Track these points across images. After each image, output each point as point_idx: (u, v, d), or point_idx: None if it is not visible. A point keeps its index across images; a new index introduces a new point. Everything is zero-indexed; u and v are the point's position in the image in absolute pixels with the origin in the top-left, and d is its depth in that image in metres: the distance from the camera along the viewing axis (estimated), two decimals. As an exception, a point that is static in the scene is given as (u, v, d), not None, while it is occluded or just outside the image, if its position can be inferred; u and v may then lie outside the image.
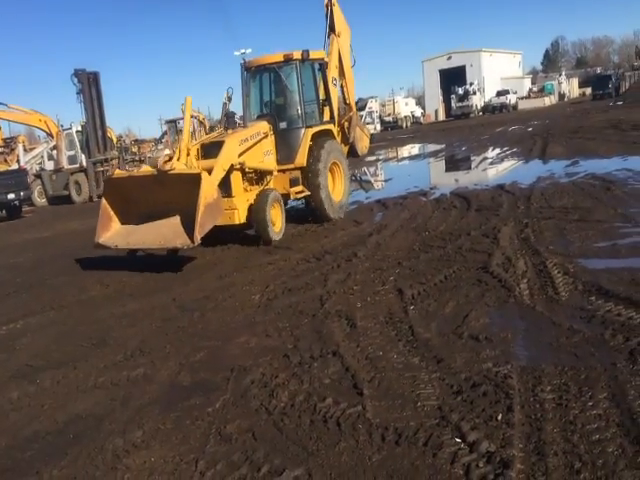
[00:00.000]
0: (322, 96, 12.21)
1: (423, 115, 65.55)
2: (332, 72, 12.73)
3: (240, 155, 10.11)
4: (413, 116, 60.17)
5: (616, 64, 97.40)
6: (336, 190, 11.92)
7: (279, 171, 11.12)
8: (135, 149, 43.63)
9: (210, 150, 9.97)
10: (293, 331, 5.63)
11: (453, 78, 64.93)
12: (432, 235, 8.80)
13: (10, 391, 5.08)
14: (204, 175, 8.67)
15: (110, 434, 4.08)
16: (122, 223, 9.53)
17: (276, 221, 10.22)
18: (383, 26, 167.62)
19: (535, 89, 68.98)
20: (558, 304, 5.30)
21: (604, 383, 3.80)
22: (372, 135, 14.42)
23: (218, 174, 9.43)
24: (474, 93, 61.08)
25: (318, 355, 4.94)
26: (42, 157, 28.05)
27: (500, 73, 68.83)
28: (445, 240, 8.30)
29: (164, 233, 8.83)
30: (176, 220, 8.87)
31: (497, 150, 21.61)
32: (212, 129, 41.20)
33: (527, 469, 3.06)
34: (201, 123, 38.21)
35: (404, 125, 56.88)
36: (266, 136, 10.97)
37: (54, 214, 21.78)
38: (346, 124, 13.03)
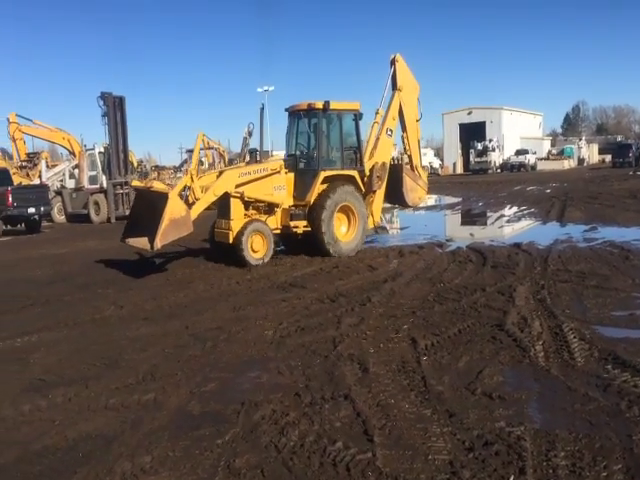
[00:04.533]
0: (354, 144, 13.00)
1: (441, 167, 66.16)
2: (388, 123, 13.67)
3: (239, 186, 11.61)
4: (431, 167, 60.58)
5: (637, 134, 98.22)
6: (349, 231, 12.60)
7: (293, 206, 12.29)
8: (155, 175, 44.20)
9: (219, 177, 11.77)
10: (305, 370, 5.64)
11: (473, 133, 65.57)
12: (447, 287, 8.82)
13: (22, 404, 5.10)
14: (171, 195, 10.48)
15: (119, 456, 4.08)
16: (132, 226, 11.65)
17: (258, 248, 11.40)
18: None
19: (554, 151, 69.49)
20: (574, 369, 5.28)
21: (619, 454, 3.77)
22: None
23: (208, 197, 11.24)
24: (493, 150, 61.58)
25: (329, 397, 4.94)
26: (64, 175, 28.47)
27: (520, 132, 69.48)
28: (460, 294, 8.32)
29: (144, 237, 10.78)
30: (153, 227, 10.45)
31: (514, 208, 21.69)
32: (231, 161, 41.85)
33: (539, 534, 3.03)
34: (221, 155, 38.82)
35: (421, 175, 57.29)
36: (277, 172, 12.17)
37: (72, 232, 21.95)
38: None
